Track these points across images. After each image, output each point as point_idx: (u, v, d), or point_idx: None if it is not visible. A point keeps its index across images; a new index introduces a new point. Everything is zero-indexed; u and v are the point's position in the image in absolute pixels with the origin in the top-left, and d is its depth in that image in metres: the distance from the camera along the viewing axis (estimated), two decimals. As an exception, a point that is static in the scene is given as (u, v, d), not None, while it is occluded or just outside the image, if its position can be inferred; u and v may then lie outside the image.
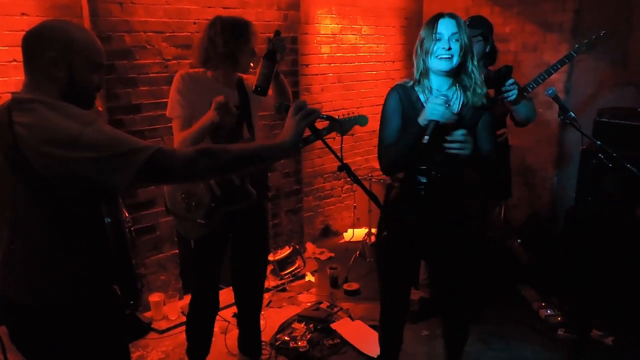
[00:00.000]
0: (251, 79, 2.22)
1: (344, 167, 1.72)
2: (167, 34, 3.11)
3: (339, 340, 2.95)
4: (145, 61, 3.04)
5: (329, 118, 1.91)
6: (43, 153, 1.27)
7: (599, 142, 2.49)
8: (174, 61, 3.16)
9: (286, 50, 2.11)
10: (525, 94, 2.65)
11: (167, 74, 3.13)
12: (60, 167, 1.29)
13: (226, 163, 1.45)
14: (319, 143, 2.10)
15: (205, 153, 1.40)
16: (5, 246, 1.41)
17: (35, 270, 1.39)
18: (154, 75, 3.09)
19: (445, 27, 1.86)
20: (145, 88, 3.06)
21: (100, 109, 2.84)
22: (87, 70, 1.41)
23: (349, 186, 4.73)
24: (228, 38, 2.10)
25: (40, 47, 1.36)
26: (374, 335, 2.95)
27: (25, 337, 1.46)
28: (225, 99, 2.21)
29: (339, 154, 1.76)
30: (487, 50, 2.73)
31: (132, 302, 1.58)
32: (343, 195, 4.78)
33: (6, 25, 2.57)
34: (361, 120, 2.36)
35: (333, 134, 4.43)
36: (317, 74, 4.27)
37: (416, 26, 4.98)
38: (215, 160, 1.42)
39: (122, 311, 1.60)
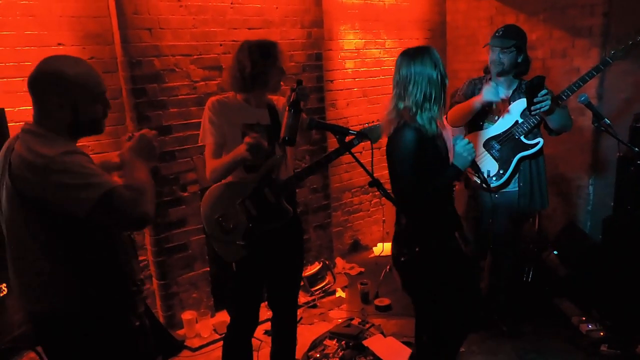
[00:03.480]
0: (282, 100, 2.25)
1: (375, 183, 1.71)
2: (195, 57, 3.19)
3: (371, 357, 2.91)
4: (174, 84, 3.12)
5: (359, 134, 1.93)
6: (22, 177, 1.39)
7: (636, 149, 2.41)
8: (202, 82, 3.24)
9: (309, 98, 2.11)
10: (559, 102, 2.58)
11: (195, 96, 3.21)
12: (35, 191, 1.39)
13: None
14: (346, 158, 2.10)
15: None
16: (13, 261, 1.54)
17: (33, 282, 1.50)
18: (183, 97, 3.17)
19: None
20: (175, 110, 3.14)
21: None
22: (90, 104, 1.50)
23: (377, 200, 4.70)
24: (256, 59, 2.16)
25: (42, 92, 1.46)
26: (407, 351, 2.90)
27: (45, 344, 1.58)
28: (256, 119, 2.24)
29: (368, 169, 1.76)
30: (519, 60, 2.69)
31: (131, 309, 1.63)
32: (372, 210, 4.75)
33: (44, 55, 2.67)
34: None
35: (360, 148, 4.41)
36: (342, 89, 4.30)
37: (440, 37, 4.96)
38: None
39: (127, 322, 1.65)
